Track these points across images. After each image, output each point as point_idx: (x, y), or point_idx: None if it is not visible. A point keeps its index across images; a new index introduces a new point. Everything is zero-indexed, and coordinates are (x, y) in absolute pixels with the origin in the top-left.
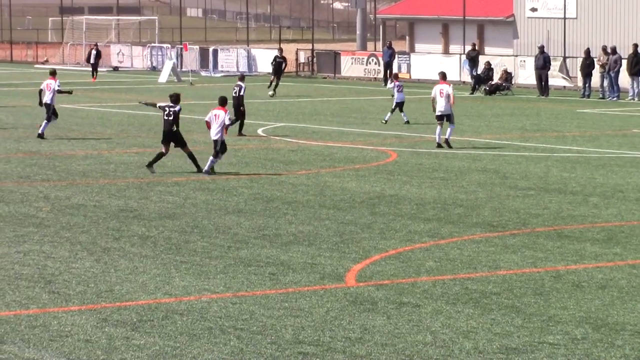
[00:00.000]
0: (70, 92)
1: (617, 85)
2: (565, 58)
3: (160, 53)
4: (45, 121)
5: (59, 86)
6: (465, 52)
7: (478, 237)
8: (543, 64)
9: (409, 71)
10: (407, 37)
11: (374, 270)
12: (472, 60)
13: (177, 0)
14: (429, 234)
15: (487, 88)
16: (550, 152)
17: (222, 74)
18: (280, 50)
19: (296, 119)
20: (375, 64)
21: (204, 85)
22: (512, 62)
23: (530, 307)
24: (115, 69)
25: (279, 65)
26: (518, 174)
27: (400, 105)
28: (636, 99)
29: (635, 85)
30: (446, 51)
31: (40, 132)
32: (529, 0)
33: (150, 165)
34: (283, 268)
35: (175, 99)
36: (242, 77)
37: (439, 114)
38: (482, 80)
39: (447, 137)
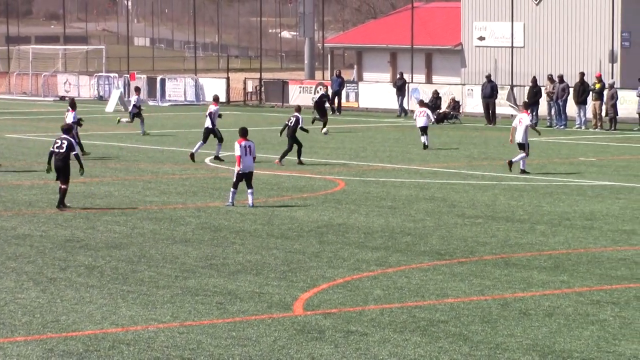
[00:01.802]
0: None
1: (564, 114)
2: (512, 87)
3: (107, 82)
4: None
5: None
6: (393, 81)
7: (426, 265)
8: (490, 93)
9: (357, 100)
10: (355, 66)
11: (321, 299)
12: (399, 89)
13: (124, 30)
14: (377, 262)
15: (435, 117)
16: (498, 181)
17: (170, 103)
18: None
19: None
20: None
21: (152, 115)
22: (460, 90)
23: (478, 335)
24: (62, 98)
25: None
26: (466, 202)
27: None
28: (583, 127)
29: (582, 114)
30: (394, 79)
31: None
32: (477, 29)
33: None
34: (230, 297)
35: (67, 128)
36: (298, 108)
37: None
38: (430, 108)
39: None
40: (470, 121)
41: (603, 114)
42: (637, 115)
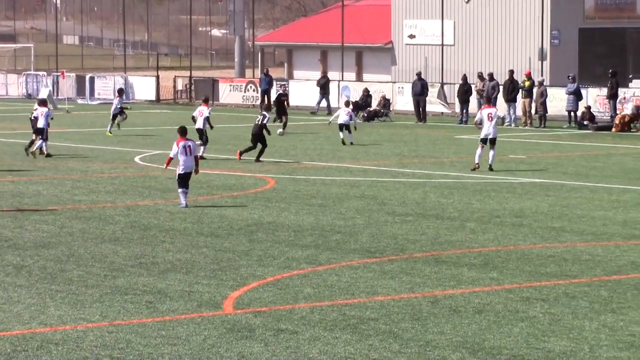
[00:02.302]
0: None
1: None
2: (442, 84)
3: (35, 81)
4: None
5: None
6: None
7: (356, 263)
8: (421, 91)
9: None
10: (285, 64)
11: (251, 297)
12: (323, 87)
13: (53, 28)
14: (307, 260)
15: (366, 114)
16: (428, 178)
17: (99, 102)
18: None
19: None
20: (254, 91)
21: (81, 113)
22: (391, 88)
23: (408, 333)
24: None
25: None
26: (396, 199)
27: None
28: (513, 125)
29: (511, 111)
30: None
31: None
32: (407, 27)
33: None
34: (160, 296)
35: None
36: (267, 107)
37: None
38: (360, 106)
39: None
40: (400, 119)
41: (533, 111)
42: (566, 113)
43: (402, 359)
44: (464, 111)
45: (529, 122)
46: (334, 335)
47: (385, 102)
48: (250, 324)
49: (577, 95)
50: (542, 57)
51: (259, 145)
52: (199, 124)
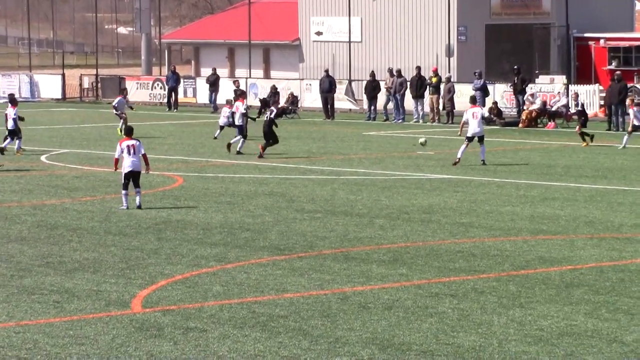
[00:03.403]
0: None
1: (402, 108)
2: (350, 81)
3: None
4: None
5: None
6: (206, 77)
7: (265, 260)
8: (329, 87)
9: (195, 95)
10: (192, 62)
11: (160, 295)
12: (213, 84)
13: None
14: (216, 258)
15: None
16: (337, 175)
17: (4, 100)
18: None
19: (80, 145)
20: (161, 88)
21: None
22: (298, 85)
23: (317, 329)
24: None
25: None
26: (305, 197)
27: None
28: (421, 121)
29: (419, 108)
30: (232, 75)
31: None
32: (314, 24)
33: None
34: (68, 296)
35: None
36: (275, 102)
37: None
38: (267, 104)
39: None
40: (308, 116)
41: (440, 107)
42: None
43: (312, 355)
44: (372, 108)
45: (436, 118)
46: (244, 333)
47: (293, 99)
48: (159, 323)
49: (484, 92)
50: (449, 54)
51: (271, 141)
52: (237, 120)
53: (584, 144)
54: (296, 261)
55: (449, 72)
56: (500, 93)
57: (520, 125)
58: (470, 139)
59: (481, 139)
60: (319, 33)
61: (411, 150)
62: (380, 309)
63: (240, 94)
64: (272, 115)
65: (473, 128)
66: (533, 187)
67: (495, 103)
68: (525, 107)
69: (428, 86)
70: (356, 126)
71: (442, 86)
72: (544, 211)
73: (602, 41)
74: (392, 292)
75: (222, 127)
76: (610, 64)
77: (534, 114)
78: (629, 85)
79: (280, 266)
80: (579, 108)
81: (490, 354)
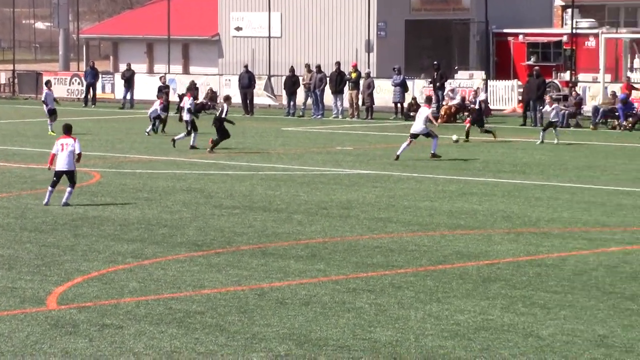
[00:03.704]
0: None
1: (322, 104)
2: (270, 77)
3: None
4: None
5: None
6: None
7: (182, 256)
8: (248, 83)
9: (113, 91)
10: (111, 57)
11: (76, 292)
12: (127, 81)
13: None
14: (133, 254)
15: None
16: (255, 171)
17: None
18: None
19: None
20: (79, 84)
21: None
22: (218, 81)
23: (234, 325)
24: None
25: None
26: (223, 192)
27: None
28: (340, 116)
29: (339, 103)
30: (151, 71)
31: None
32: (234, 19)
33: None
34: None
35: None
36: (226, 98)
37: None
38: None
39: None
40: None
41: (360, 103)
42: (393, 105)
43: (228, 351)
44: (291, 103)
45: (356, 113)
46: (160, 330)
47: (213, 95)
48: (74, 320)
49: (403, 87)
50: (368, 49)
51: (223, 135)
52: (185, 115)
53: (491, 137)
54: (214, 257)
55: (369, 67)
56: (420, 89)
57: (440, 120)
58: (413, 136)
59: (427, 135)
60: (238, 28)
61: (330, 146)
62: (297, 305)
63: (189, 89)
64: (224, 115)
65: (415, 126)
66: (451, 182)
67: (414, 99)
68: (444, 103)
69: (347, 82)
70: (275, 122)
71: (361, 82)
72: (462, 206)
73: (520, 37)
74: (309, 287)
75: (154, 121)
76: (529, 59)
77: (453, 110)
78: (547, 80)
79: (197, 262)
80: (476, 106)
81: (407, 348)
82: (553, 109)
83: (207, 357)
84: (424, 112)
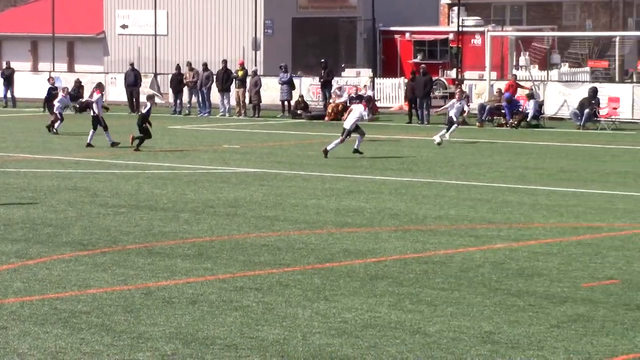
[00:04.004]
0: None
1: (208, 102)
2: (156, 75)
3: None
4: None
5: None
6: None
7: (68, 256)
8: (134, 81)
9: None
10: None
11: None
12: (7, 79)
13: None
14: (17, 254)
15: (78, 105)
16: (142, 169)
17: None
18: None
19: None
20: None
21: None
22: (103, 79)
23: (121, 325)
24: None
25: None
26: (109, 191)
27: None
28: (227, 114)
29: (225, 101)
30: (35, 69)
31: None
32: (120, 17)
33: None
34: None
35: None
36: (149, 97)
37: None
38: (73, 98)
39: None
40: (114, 110)
41: (247, 101)
42: (280, 103)
43: (114, 351)
44: (178, 101)
45: (243, 111)
46: (45, 330)
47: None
48: None
49: (290, 85)
50: (255, 47)
51: (146, 134)
52: (94, 110)
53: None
54: (99, 256)
55: (256, 65)
56: (307, 86)
57: (327, 118)
58: (346, 132)
59: (347, 133)
60: (124, 26)
61: (217, 144)
62: (184, 304)
63: (97, 86)
64: (145, 111)
65: (346, 122)
66: (339, 180)
67: (301, 96)
68: (331, 101)
69: (234, 80)
70: (161, 120)
71: (248, 80)
72: (350, 204)
73: (407, 35)
74: (196, 286)
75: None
76: (415, 57)
77: (340, 107)
78: (434, 78)
79: (83, 262)
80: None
81: (294, 346)
82: (460, 104)
83: (92, 357)
84: (358, 109)
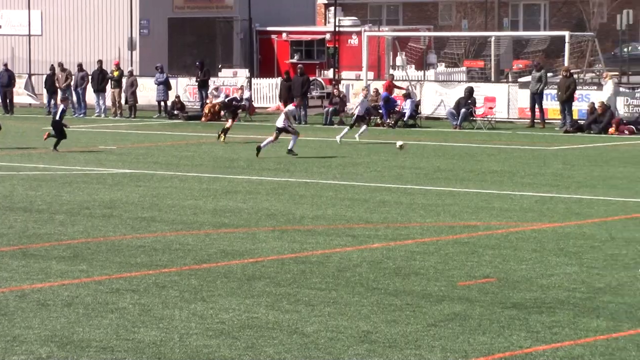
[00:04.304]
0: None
1: (84, 102)
2: (30, 75)
3: None
4: None
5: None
6: None
7: None
8: (8, 82)
9: None
10: None
11: None
12: None
13: None
14: None
15: None
16: (16, 171)
17: None
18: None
19: None
20: None
21: None
22: None
23: None
24: None
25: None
26: None
27: None
28: (103, 115)
29: (101, 102)
30: None
31: None
32: None
33: None
34: None
35: None
36: (63, 99)
37: None
38: None
39: None
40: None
41: (123, 101)
42: (156, 103)
43: None
44: (52, 102)
45: (119, 112)
46: None
47: None
48: None
49: (166, 85)
50: (131, 47)
51: (61, 135)
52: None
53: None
54: None
55: (132, 65)
56: (183, 87)
57: (203, 119)
58: (279, 130)
59: (279, 130)
60: None
61: (92, 145)
62: (59, 306)
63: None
64: (59, 113)
65: (278, 121)
66: (216, 181)
67: (178, 97)
68: (208, 101)
69: (110, 80)
70: (36, 121)
71: (124, 80)
72: (227, 204)
73: (284, 35)
74: (72, 288)
75: None
76: (292, 57)
77: (217, 108)
78: (311, 78)
79: None
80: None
81: (171, 348)
82: (361, 102)
83: None
84: (289, 110)
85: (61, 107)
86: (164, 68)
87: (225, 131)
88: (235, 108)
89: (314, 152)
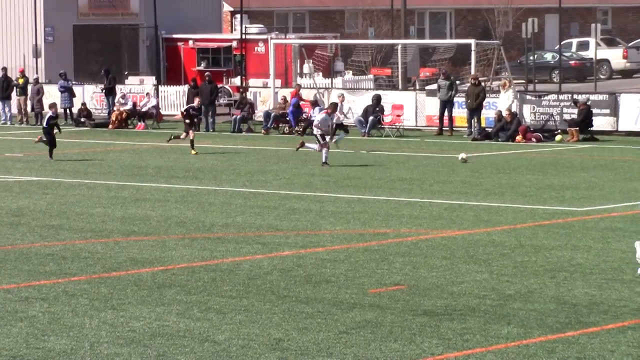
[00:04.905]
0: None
1: None
2: None
3: None
4: None
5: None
6: None
7: None
8: None
9: None
10: None
11: None
12: None
13: None
14: None
15: None
16: None
17: None
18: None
19: None
20: None
21: None
22: None
23: None
24: None
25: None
26: None
27: None
28: (9, 123)
29: (7, 110)
30: None
31: None
32: None
33: None
34: None
35: None
36: (52, 105)
37: None
38: None
39: None
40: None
41: (29, 109)
42: (62, 110)
43: None
44: None
45: (25, 120)
46: None
47: None
48: None
49: (70, 92)
50: (36, 54)
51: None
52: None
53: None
54: None
55: (37, 73)
56: (90, 94)
57: (111, 126)
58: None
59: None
60: None
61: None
62: None
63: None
64: (49, 120)
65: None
66: (124, 188)
67: (84, 104)
68: (115, 109)
69: (15, 87)
70: None
71: (29, 87)
72: (135, 212)
73: (190, 42)
74: None
75: None
76: (199, 65)
77: (124, 115)
78: (219, 86)
79: None
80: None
81: (81, 356)
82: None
83: None
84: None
85: (49, 113)
86: (67, 75)
87: (191, 143)
88: (193, 117)
89: (222, 159)
